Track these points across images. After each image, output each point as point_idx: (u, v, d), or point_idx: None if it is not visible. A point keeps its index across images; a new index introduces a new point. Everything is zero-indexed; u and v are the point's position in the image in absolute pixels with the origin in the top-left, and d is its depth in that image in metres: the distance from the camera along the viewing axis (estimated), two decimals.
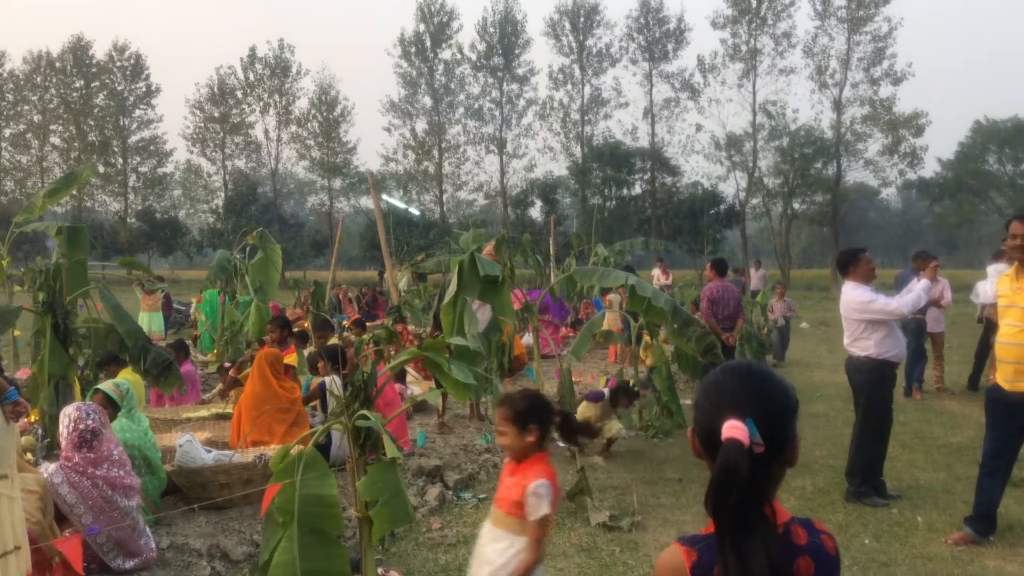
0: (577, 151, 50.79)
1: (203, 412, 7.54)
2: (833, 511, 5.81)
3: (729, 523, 1.39)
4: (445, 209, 53.34)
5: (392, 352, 5.90)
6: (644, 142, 49.99)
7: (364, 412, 3.78)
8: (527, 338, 10.53)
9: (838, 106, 45.29)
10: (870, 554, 4.94)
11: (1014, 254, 4.97)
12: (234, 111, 54.13)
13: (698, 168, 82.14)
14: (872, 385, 6.26)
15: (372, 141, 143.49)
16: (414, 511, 5.59)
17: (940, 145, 53.93)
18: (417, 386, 9.58)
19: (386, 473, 3.56)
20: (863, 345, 6.19)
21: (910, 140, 44.42)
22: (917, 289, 6.10)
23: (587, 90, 50.75)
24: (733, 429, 1.42)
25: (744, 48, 46.60)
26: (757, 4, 45.61)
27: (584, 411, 7.33)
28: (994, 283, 9.73)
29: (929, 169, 47.83)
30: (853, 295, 6.17)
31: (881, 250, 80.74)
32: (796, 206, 47.52)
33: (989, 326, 9.93)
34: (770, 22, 45.96)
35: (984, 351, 10.40)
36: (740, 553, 1.37)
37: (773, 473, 1.51)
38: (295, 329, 9.11)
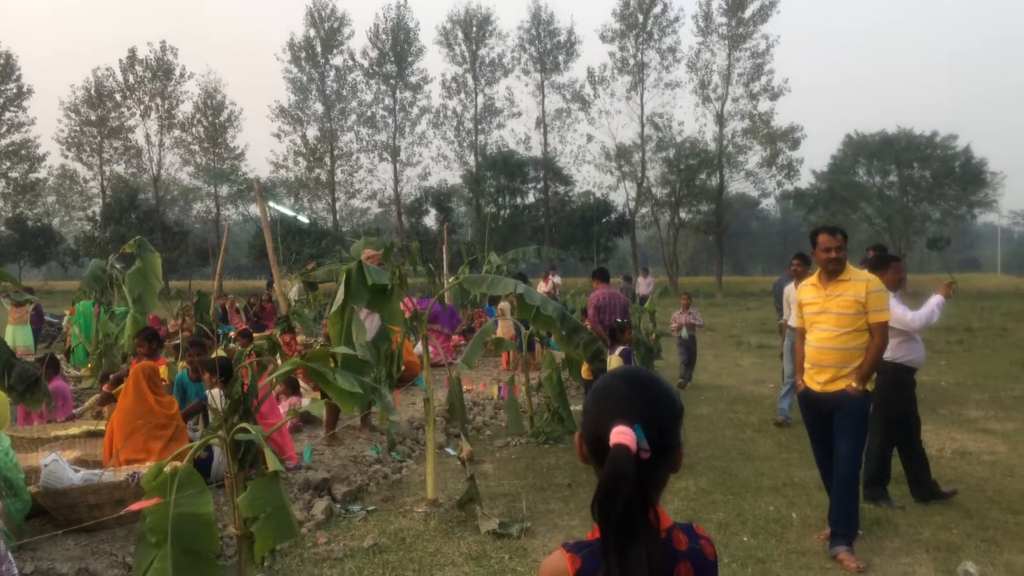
0: (471, 160, 50.98)
1: (73, 430, 7.15)
2: (714, 510, 5.99)
3: (614, 529, 1.40)
4: (338, 217, 52.52)
5: (277, 363, 5.76)
6: (537, 151, 50.67)
7: (244, 425, 3.66)
8: (420, 347, 10.46)
9: (720, 119, 47.08)
10: (748, 551, 5.12)
11: (828, 266, 5.18)
12: (112, 114, 51.75)
13: (589, 178, 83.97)
14: (886, 389, 6.25)
15: (261, 147, 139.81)
16: (299, 526, 5.46)
17: (814, 158, 56.67)
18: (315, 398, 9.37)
19: (268, 488, 3.45)
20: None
21: (787, 153, 46.66)
22: (931, 304, 6.27)
23: (480, 99, 51.08)
24: (621, 435, 1.42)
25: (632, 62, 47.92)
26: (644, 19, 46.99)
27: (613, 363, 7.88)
28: None
29: (805, 180, 50.36)
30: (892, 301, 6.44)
31: (762, 258, 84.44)
32: (683, 215, 49.17)
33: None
34: (656, 37, 47.45)
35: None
36: (623, 559, 1.38)
37: (658, 479, 1.52)
38: (175, 341, 8.75)
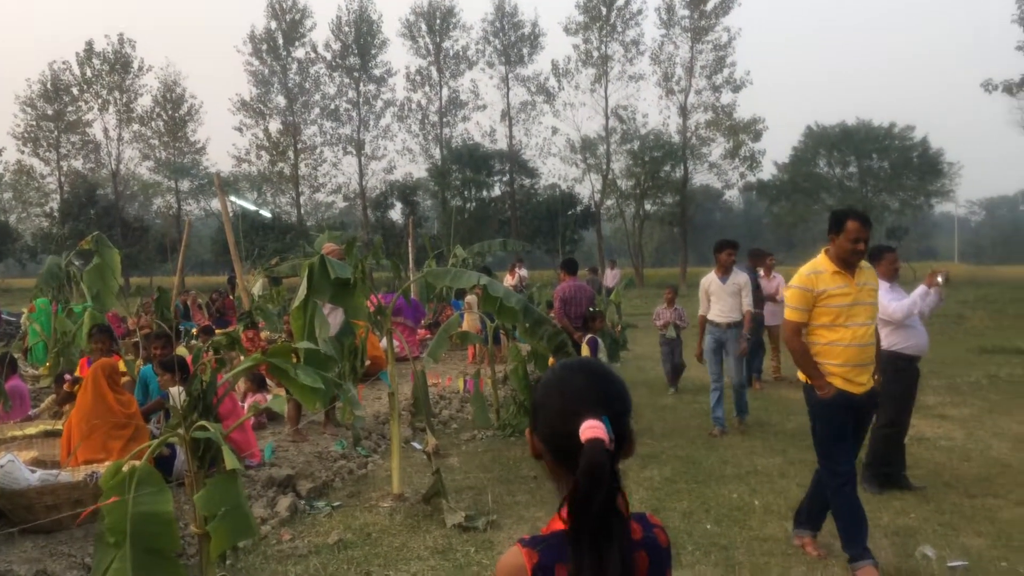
0: (436, 153, 50.85)
1: (30, 429, 7.00)
2: (679, 499, 6.05)
3: (593, 524, 1.38)
4: (303, 212, 52.07)
5: (239, 359, 5.70)
6: (502, 144, 50.68)
7: (203, 423, 3.62)
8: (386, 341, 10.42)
9: (684, 111, 47.38)
10: (711, 538, 5.18)
11: (852, 257, 4.65)
12: (70, 109, 50.74)
13: (555, 170, 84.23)
14: (889, 377, 6.26)
15: (223, 141, 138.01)
16: (262, 524, 5.42)
17: (776, 149, 57.48)
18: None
19: (226, 486, 3.41)
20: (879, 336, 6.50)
21: (749, 144, 47.06)
22: (914, 294, 6.28)
23: (445, 92, 50.96)
24: (594, 429, 1.41)
25: (596, 54, 48.00)
26: (607, 12, 47.09)
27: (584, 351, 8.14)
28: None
29: (767, 172, 51.01)
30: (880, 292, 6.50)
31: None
32: (648, 207, 49.41)
33: None
34: (619, 29, 47.60)
35: None
36: (598, 553, 1.37)
37: (616, 469, 1.53)
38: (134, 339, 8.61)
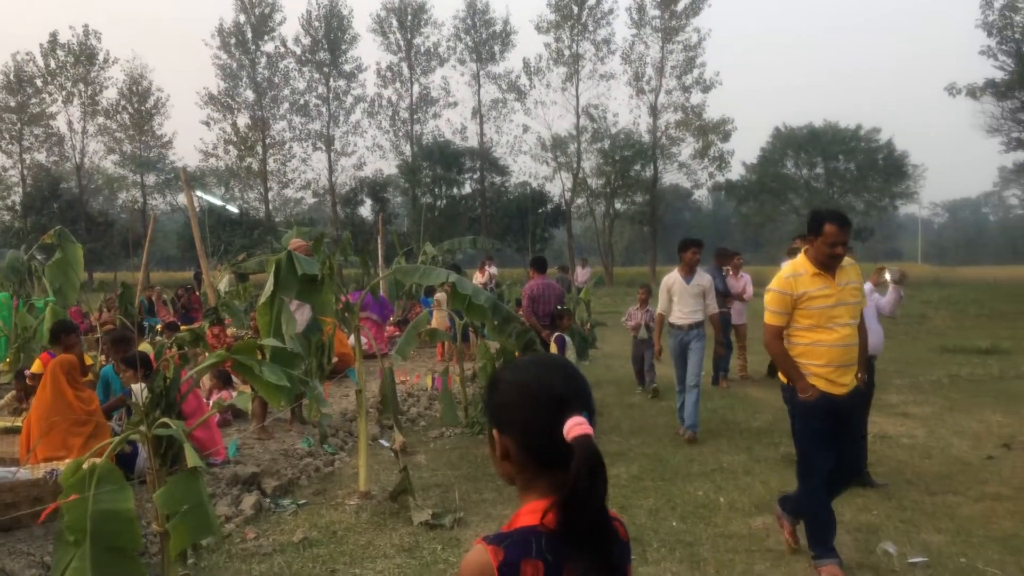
0: (407, 150, 50.58)
1: None
2: (645, 497, 6.08)
3: (592, 521, 1.39)
4: (271, 207, 51.53)
5: (204, 356, 5.63)
6: (473, 142, 50.51)
7: (165, 420, 3.57)
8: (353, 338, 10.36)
9: (654, 111, 47.62)
10: (677, 535, 5.22)
11: (830, 262, 4.54)
12: (33, 101, 49.75)
13: (525, 168, 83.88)
14: None
15: (191, 135, 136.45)
16: (226, 522, 5.37)
17: (745, 150, 58.05)
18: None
19: (187, 484, 3.37)
20: None
21: (718, 145, 47.40)
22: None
23: (416, 89, 50.70)
24: (582, 426, 1.41)
25: (567, 53, 48.05)
26: (578, 11, 47.16)
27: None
28: None
29: (735, 172, 51.37)
30: None
31: None
32: (618, 206, 49.62)
33: None
34: (591, 28, 47.68)
35: None
36: (599, 551, 1.39)
37: None
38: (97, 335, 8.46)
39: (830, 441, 4.63)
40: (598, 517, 1.39)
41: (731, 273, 11.54)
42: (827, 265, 4.57)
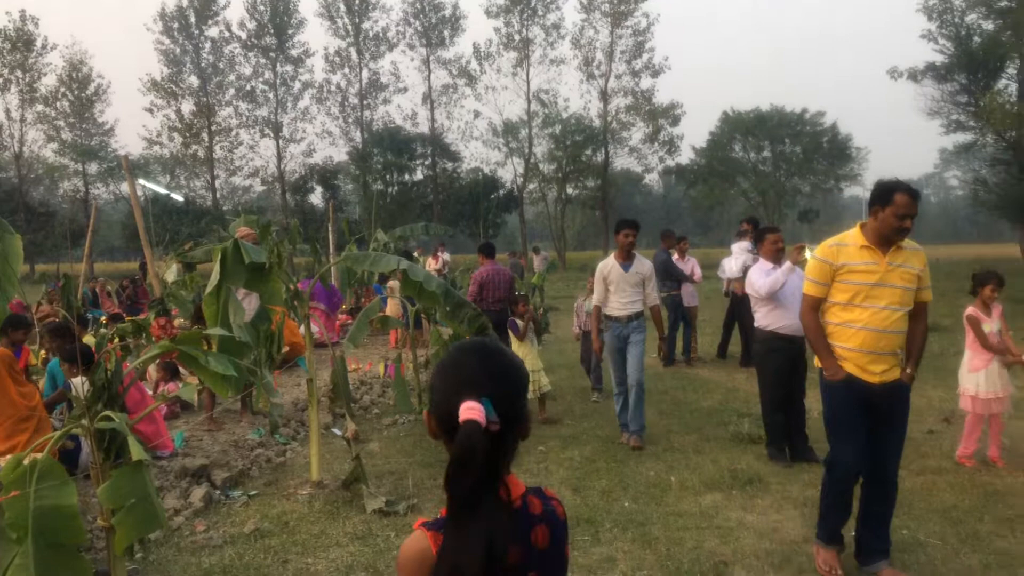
0: (357, 136, 50.15)
1: None
2: (598, 478, 6.14)
3: (463, 505, 1.39)
4: (219, 196, 50.67)
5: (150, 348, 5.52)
6: (424, 128, 50.29)
7: (107, 413, 3.50)
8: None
9: (604, 96, 47.88)
10: (629, 515, 5.28)
11: (896, 236, 4.15)
12: None
13: (477, 154, 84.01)
14: (760, 354, 6.67)
15: (133, 122, 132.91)
16: (175, 515, 5.29)
17: (694, 134, 58.67)
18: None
19: (131, 477, 3.30)
20: (757, 317, 6.67)
21: (668, 129, 47.96)
22: (778, 272, 6.43)
23: (365, 74, 50.22)
24: (471, 410, 1.42)
25: (517, 38, 48.04)
26: None
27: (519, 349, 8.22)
28: (738, 259, 10.76)
29: (685, 156, 52.01)
30: (751, 269, 6.73)
31: (646, 232, 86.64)
32: (570, 191, 49.85)
33: (735, 299, 10.92)
34: (540, 13, 47.71)
35: (731, 322, 11.42)
36: (463, 535, 1.38)
37: (509, 449, 1.53)
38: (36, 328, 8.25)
39: (856, 432, 4.28)
40: (472, 501, 1.39)
41: (677, 256, 11.68)
42: (889, 239, 4.18)
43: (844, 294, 4.27)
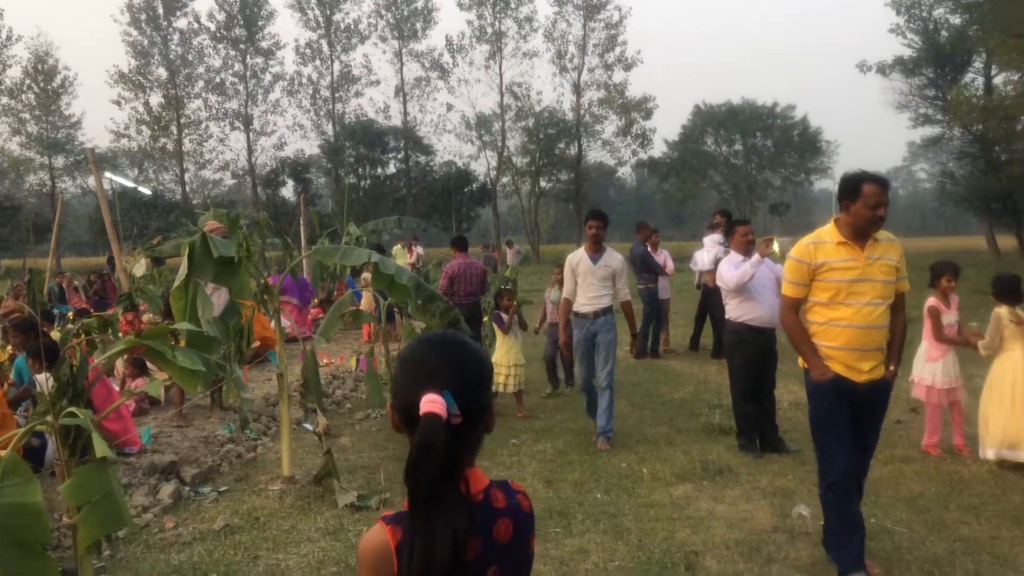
0: (329, 129, 49.75)
1: None
2: (571, 470, 6.16)
3: (423, 498, 1.38)
4: (188, 189, 50.00)
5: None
6: (396, 121, 49.99)
7: (72, 410, 3.44)
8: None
9: (577, 89, 47.89)
10: (601, 507, 5.30)
11: (871, 227, 4.08)
12: None
13: (450, 147, 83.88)
14: (730, 345, 6.72)
15: (101, 115, 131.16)
16: (143, 512, 5.24)
17: (666, 128, 59.03)
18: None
19: (96, 474, 3.25)
20: (727, 308, 6.69)
21: (641, 122, 48.07)
22: (746, 264, 6.45)
23: (336, 66, 49.77)
24: (431, 403, 1.41)
25: (490, 30, 47.86)
26: None
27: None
28: (710, 252, 10.82)
29: (658, 149, 52.29)
30: (721, 262, 6.79)
31: (619, 224, 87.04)
32: (543, 184, 49.87)
33: (707, 291, 10.98)
34: (513, 6, 47.54)
35: (703, 314, 11.49)
36: (427, 530, 1.37)
37: (471, 442, 1.53)
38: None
39: (845, 437, 4.17)
40: (432, 495, 1.38)
41: (650, 249, 11.74)
42: (864, 232, 4.11)
43: (825, 292, 4.19)
